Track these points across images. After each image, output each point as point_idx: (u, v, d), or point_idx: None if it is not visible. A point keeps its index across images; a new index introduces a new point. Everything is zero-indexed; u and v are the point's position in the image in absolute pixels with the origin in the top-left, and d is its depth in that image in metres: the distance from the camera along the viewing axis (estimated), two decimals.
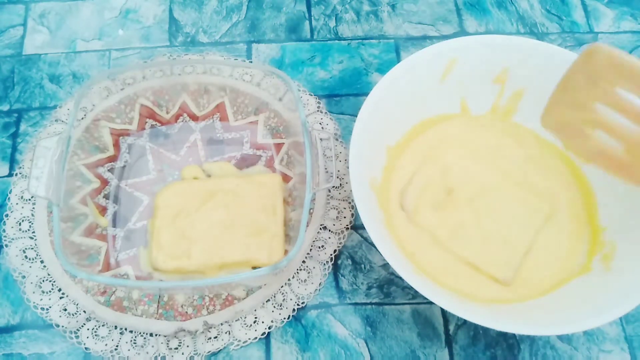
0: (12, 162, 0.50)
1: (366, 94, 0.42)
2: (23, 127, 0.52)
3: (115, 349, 0.42)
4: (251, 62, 0.56)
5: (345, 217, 0.48)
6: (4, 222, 0.47)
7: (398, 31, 0.58)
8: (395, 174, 0.46)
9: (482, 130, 0.49)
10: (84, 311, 0.43)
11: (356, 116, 0.42)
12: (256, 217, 0.44)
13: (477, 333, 0.44)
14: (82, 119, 0.46)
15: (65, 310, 0.43)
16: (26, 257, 0.45)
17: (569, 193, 0.46)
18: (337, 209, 0.48)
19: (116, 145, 0.49)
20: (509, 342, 0.44)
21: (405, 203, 0.44)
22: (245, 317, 0.44)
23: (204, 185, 0.46)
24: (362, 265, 0.47)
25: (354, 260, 0.47)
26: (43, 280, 0.44)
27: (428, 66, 0.45)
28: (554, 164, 0.47)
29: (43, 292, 0.44)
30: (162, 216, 0.44)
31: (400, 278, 0.36)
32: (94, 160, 0.47)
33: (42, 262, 0.45)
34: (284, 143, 0.50)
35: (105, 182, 0.48)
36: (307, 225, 0.46)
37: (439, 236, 0.44)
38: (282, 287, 0.45)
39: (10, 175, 0.49)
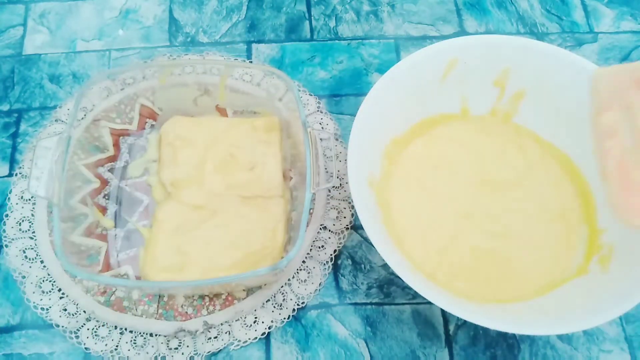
0: (12, 162, 0.50)
1: (366, 94, 0.42)
2: (23, 127, 0.52)
3: (115, 349, 0.42)
4: (251, 62, 0.56)
5: (345, 217, 0.48)
6: (4, 222, 0.47)
7: (398, 31, 0.58)
8: (394, 172, 0.46)
9: (481, 130, 0.49)
10: (84, 311, 0.43)
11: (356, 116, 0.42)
12: (255, 239, 0.43)
13: (477, 333, 0.44)
14: (82, 119, 0.46)
15: (65, 310, 0.43)
16: (26, 257, 0.45)
17: (568, 194, 0.46)
18: (337, 209, 0.48)
19: (116, 145, 0.49)
20: (509, 342, 0.44)
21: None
22: (245, 317, 0.44)
23: (207, 204, 0.45)
24: (362, 265, 0.47)
25: (354, 260, 0.47)
26: (43, 280, 0.44)
27: (428, 65, 0.45)
28: (553, 165, 0.47)
29: (43, 292, 0.44)
30: (159, 228, 0.44)
31: (400, 278, 0.36)
32: (94, 160, 0.47)
33: (42, 262, 0.45)
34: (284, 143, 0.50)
35: (105, 182, 0.48)
36: (307, 225, 0.46)
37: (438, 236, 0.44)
38: (282, 287, 0.45)
39: (10, 175, 0.49)
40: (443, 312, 0.45)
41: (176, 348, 0.43)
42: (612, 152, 0.31)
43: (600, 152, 0.31)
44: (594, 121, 0.32)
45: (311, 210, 0.47)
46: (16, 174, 0.49)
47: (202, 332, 0.43)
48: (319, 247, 0.46)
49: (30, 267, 0.45)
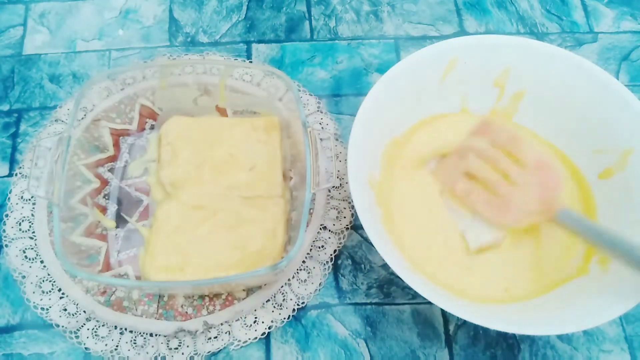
0: (12, 162, 0.50)
1: (366, 94, 0.42)
2: (23, 127, 0.52)
3: (115, 349, 0.42)
4: (251, 62, 0.56)
5: (345, 217, 0.48)
6: (4, 222, 0.47)
7: (398, 31, 0.58)
8: (393, 172, 0.46)
9: None
10: (84, 311, 0.43)
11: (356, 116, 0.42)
12: (255, 239, 0.43)
13: (477, 333, 0.44)
14: (82, 119, 0.46)
15: (65, 310, 0.43)
16: (26, 257, 0.45)
17: (568, 194, 0.46)
18: (337, 209, 0.48)
19: (116, 145, 0.49)
20: (509, 342, 0.44)
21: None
22: (245, 317, 0.44)
23: (207, 204, 0.45)
24: (362, 265, 0.47)
25: (354, 260, 0.47)
26: (43, 280, 0.44)
27: (428, 65, 0.45)
28: None
29: (43, 292, 0.44)
30: (159, 228, 0.44)
31: (400, 278, 0.36)
32: (94, 160, 0.47)
33: (42, 262, 0.45)
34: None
35: (105, 182, 0.48)
36: (307, 225, 0.46)
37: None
38: (282, 287, 0.45)
39: (10, 175, 0.49)
40: (443, 312, 0.45)
41: (176, 348, 0.43)
42: (475, 201, 0.44)
43: (467, 205, 0.44)
44: (447, 194, 0.45)
45: (311, 210, 0.47)
46: (16, 174, 0.49)
47: (202, 332, 0.43)
48: (319, 247, 0.46)
49: (30, 267, 0.45)
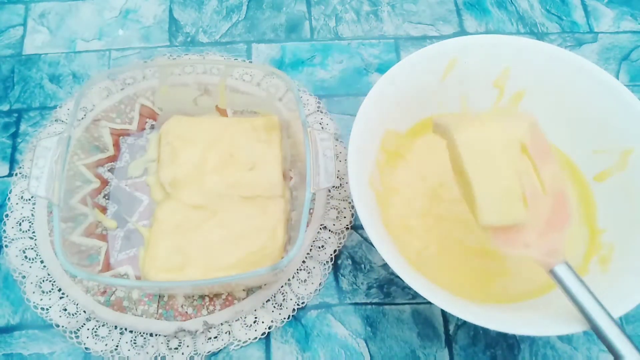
0: (12, 162, 0.50)
1: (366, 94, 0.42)
2: (23, 127, 0.52)
3: (115, 349, 0.42)
4: (251, 62, 0.56)
5: (345, 217, 0.48)
6: (4, 222, 0.47)
7: (398, 31, 0.58)
8: (394, 172, 0.46)
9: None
10: (84, 311, 0.43)
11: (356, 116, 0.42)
12: (255, 239, 0.43)
13: (477, 333, 0.44)
14: (82, 119, 0.46)
15: (65, 310, 0.43)
16: (26, 257, 0.45)
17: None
18: (337, 209, 0.48)
19: (116, 145, 0.49)
20: (509, 342, 0.44)
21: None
22: (245, 317, 0.44)
23: (207, 204, 0.45)
24: (362, 265, 0.47)
25: (354, 260, 0.47)
26: (43, 280, 0.44)
27: (428, 65, 0.45)
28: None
29: (43, 292, 0.44)
30: (159, 228, 0.44)
31: (400, 278, 0.36)
32: (94, 160, 0.47)
33: (42, 262, 0.45)
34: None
35: (105, 182, 0.48)
36: (307, 225, 0.46)
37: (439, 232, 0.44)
38: (282, 287, 0.45)
39: (10, 175, 0.49)
40: (443, 312, 0.45)
41: (176, 348, 0.43)
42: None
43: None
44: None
45: (311, 210, 0.47)
46: (16, 174, 0.49)
47: (202, 332, 0.43)
48: (319, 247, 0.46)
49: (30, 267, 0.45)
